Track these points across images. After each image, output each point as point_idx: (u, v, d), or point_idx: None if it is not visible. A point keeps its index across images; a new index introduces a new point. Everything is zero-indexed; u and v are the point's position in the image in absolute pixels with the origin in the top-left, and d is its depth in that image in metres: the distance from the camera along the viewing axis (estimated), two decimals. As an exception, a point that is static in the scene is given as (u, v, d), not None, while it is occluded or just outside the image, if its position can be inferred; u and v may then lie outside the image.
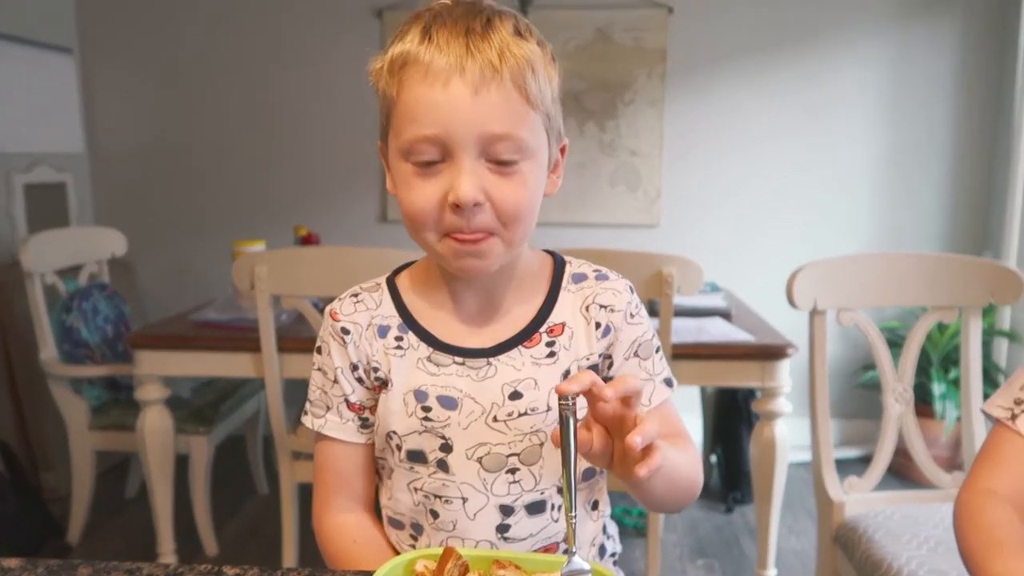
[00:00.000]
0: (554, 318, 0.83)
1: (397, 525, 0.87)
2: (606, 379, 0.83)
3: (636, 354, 0.84)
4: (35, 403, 2.61)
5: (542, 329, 0.83)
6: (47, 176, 3.00)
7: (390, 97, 0.74)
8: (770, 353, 1.88)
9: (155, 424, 2.03)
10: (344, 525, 0.86)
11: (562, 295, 0.84)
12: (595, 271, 0.87)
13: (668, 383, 0.86)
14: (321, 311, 1.97)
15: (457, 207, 0.72)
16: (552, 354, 0.82)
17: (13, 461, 2.32)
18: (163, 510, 2.11)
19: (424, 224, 0.75)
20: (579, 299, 0.84)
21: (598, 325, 0.83)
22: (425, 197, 0.73)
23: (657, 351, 0.86)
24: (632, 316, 0.84)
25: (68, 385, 2.30)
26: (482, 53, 0.70)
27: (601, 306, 0.83)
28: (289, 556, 2.03)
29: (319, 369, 0.87)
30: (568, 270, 0.87)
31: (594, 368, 0.83)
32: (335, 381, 0.85)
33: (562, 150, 0.82)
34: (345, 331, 0.84)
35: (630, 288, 0.86)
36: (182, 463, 2.22)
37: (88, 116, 3.24)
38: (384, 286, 0.87)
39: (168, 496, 2.11)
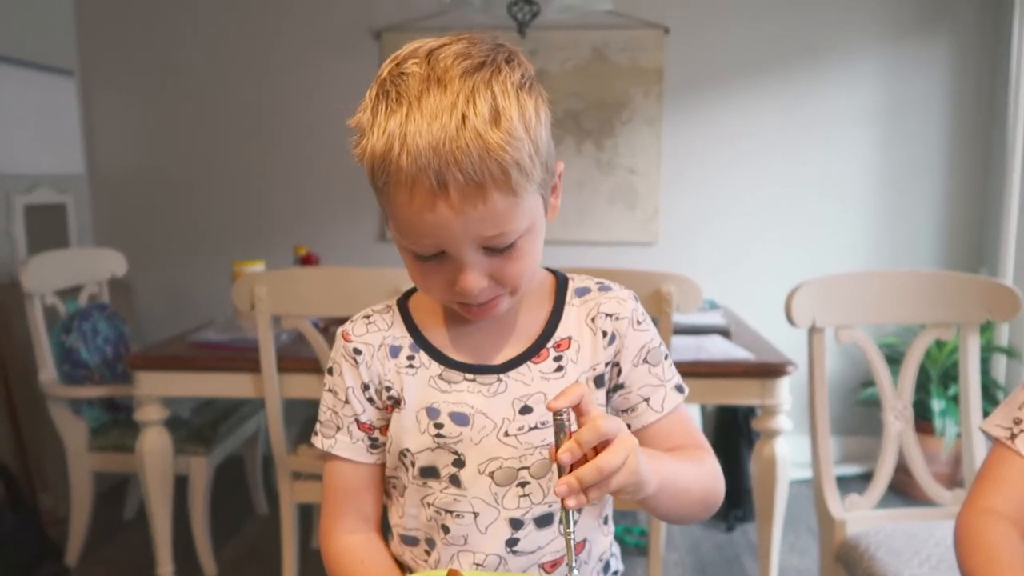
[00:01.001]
0: (560, 333, 0.85)
1: (411, 542, 0.87)
2: (617, 387, 0.85)
3: (645, 360, 0.85)
4: (34, 424, 2.60)
5: (549, 344, 0.84)
6: (47, 197, 3.01)
7: (380, 201, 0.75)
8: (769, 371, 1.88)
9: (154, 445, 2.03)
10: (352, 545, 0.86)
11: (567, 310, 0.86)
12: (598, 283, 0.89)
13: (679, 389, 0.86)
14: (321, 331, 1.98)
15: (464, 294, 0.76)
16: (560, 368, 0.83)
17: (11, 483, 2.31)
18: (162, 532, 2.10)
19: (436, 298, 0.82)
20: (584, 312, 0.86)
21: (604, 334, 0.84)
22: (432, 283, 0.78)
23: (666, 357, 0.86)
24: (639, 323, 0.85)
25: (67, 406, 2.30)
26: (461, 168, 0.67)
27: (606, 315, 0.85)
28: (289, 577, 2.02)
29: (330, 390, 0.88)
30: (571, 285, 0.88)
31: (600, 378, 0.84)
32: (346, 401, 0.86)
33: (559, 175, 0.82)
34: (357, 351, 0.86)
35: (634, 297, 0.88)
36: (181, 484, 2.21)
37: (88, 137, 3.26)
38: (395, 308, 0.89)
39: (167, 518, 2.10)
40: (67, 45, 3.17)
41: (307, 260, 2.56)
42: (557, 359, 0.84)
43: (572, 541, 0.68)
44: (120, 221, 3.31)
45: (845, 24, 3.01)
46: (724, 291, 2.91)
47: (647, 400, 0.84)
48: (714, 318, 2.31)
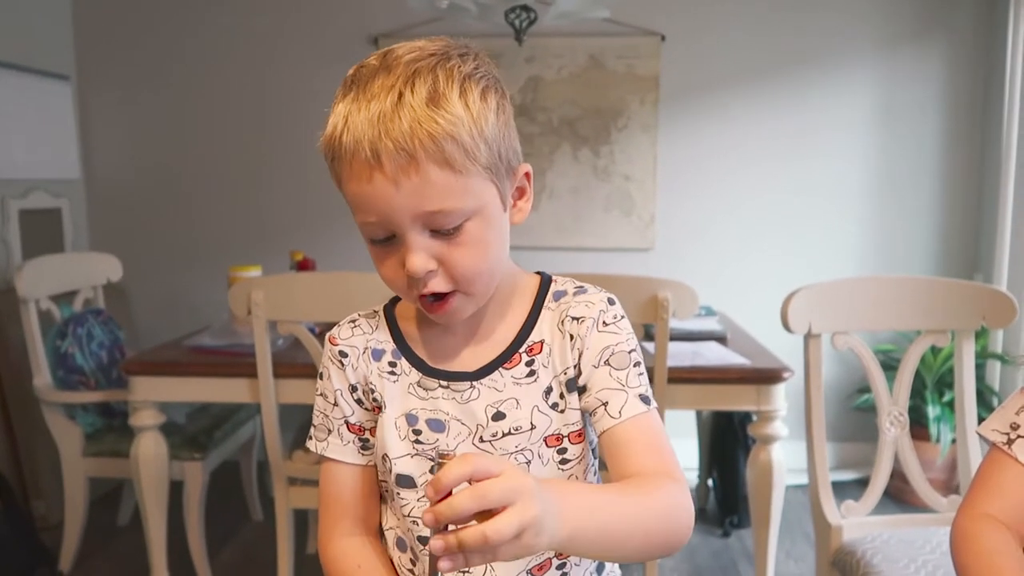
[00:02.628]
0: (533, 337, 0.85)
1: (401, 547, 0.87)
2: (582, 389, 0.82)
3: (607, 362, 0.81)
4: (27, 430, 2.59)
5: (521, 349, 0.84)
6: (43, 202, 3.00)
7: (335, 183, 0.78)
8: (766, 377, 1.88)
9: (149, 450, 2.02)
10: (350, 549, 0.86)
11: (543, 313, 0.86)
12: (576, 287, 0.88)
13: (644, 400, 0.80)
14: (317, 336, 1.98)
15: (411, 277, 0.75)
16: (532, 373, 0.83)
17: (5, 488, 2.30)
18: (156, 538, 2.09)
19: (396, 290, 0.81)
20: (557, 315, 0.85)
21: (571, 337, 0.83)
22: (388, 269, 0.78)
23: (636, 365, 0.82)
24: (605, 324, 0.83)
25: (62, 411, 2.29)
26: (393, 139, 0.69)
27: (573, 318, 0.84)
28: (284, 584, 2.01)
29: (321, 394, 0.89)
30: (552, 288, 0.88)
31: (571, 382, 0.83)
32: (335, 404, 0.87)
33: (526, 175, 0.82)
34: (343, 354, 0.87)
35: (608, 300, 0.85)
36: (176, 489, 2.20)
37: (84, 142, 3.26)
38: (381, 313, 0.91)
39: (162, 523, 2.09)
40: (64, 50, 3.17)
41: (303, 265, 2.55)
42: (529, 364, 0.84)
43: None
44: (116, 226, 3.30)
45: (841, 32, 3.02)
46: (720, 297, 2.91)
47: (605, 404, 0.79)
48: (710, 324, 2.32)
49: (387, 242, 0.76)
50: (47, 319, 2.36)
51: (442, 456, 0.59)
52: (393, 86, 0.71)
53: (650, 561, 1.93)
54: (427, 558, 0.58)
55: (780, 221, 3.12)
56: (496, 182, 0.77)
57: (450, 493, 0.57)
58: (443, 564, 0.57)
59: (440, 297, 0.77)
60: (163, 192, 3.29)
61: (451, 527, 0.57)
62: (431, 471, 0.59)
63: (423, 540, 0.82)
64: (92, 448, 2.31)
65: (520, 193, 0.82)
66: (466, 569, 0.81)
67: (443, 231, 0.74)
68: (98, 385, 2.37)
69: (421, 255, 0.74)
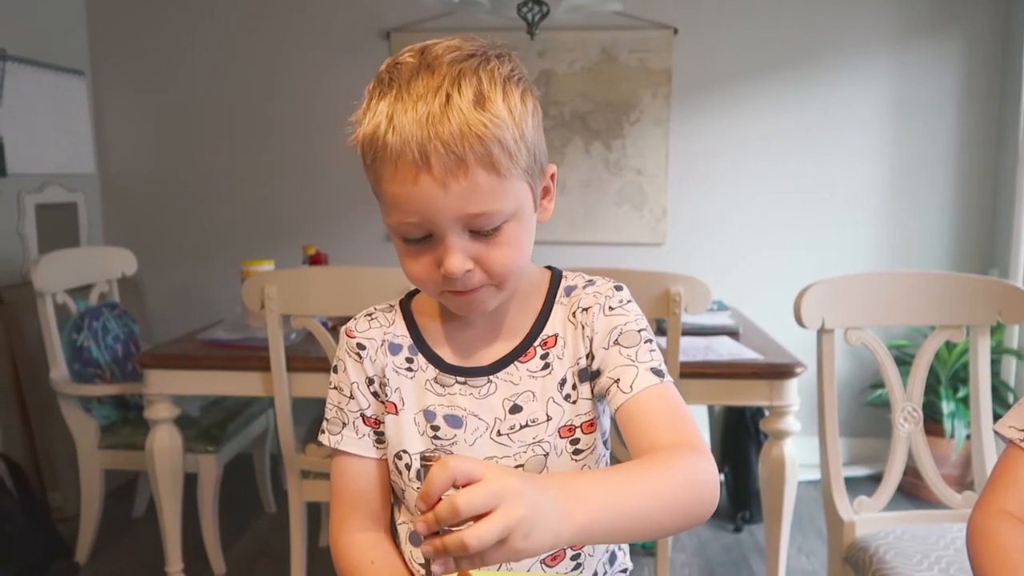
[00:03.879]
0: (547, 331, 0.86)
1: (414, 541, 0.88)
2: (594, 373, 0.83)
3: (617, 342, 0.82)
4: (44, 422, 2.62)
5: (536, 343, 0.86)
6: (58, 196, 3.03)
7: (371, 182, 0.77)
8: (778, 372, 1.87)
9: (164, 443, 2.04)
10: (362, 544, 0.87)
11: (555, 308, 0.87)
12: (587, 280, 0.89)
13: (657, 373, 0.80)
14: (329, 330, 1.98)
15: (448, 277, 0.75)
16: (547, 366, 0.85)
17: (22, 480, 2.33)
18: (171, 529, 2.11)
19: (423, 287, 0.81)
20: (568, 309, 0.87)
21: (583, 327, 0.85)
22: (420, 267, 0.78)
23: (647, 342, 0.83)
24: (611, 308, 0.85)
25: (78, 404, 2.31)
26: (443, 141, 0.69)
27: (583, 309, 0.85)
28: (298, 575, 2.03)
29: (335, 387, 0.89)
30: (563, 284, 0.89)
31: (584, 372, 0.84)
32: (351, 397, 0.88)
33: (552, 175, 0.83)
34: (361, 347, 0.88)
35: (615, 287, 0.87)
36: (191, 482, 2.22)
37: (99, 137, 3.28)
38: (398, 308, 0.91)
39: (176, 515, 2.11)
40: (78, 45, 3.19)
41: (316, 260, 2.56)
42: (544, 357, 0.85)
43: None
44: (130, 220, 3.33)
45: (855, 25, 2.99)
46: (733, 292, 2.90)
47: (617, 381, 0.79)
48: (723, 319, 2.31)
49: (422, 241, 0.76)
50: (63, 312, 2.38)
51: (425, 460, 0.59)
52: (440, 87, 0.71)
53: (680, 532, 1.92)
54: (424, 561, 0.59)
55: (793, 216, 3.10)
56: (531, 183, 0.78)
57: (441, 498, 0.57)
58: (435, 568, 0.57)
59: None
60: (176, 186, 3.31)
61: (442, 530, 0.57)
62: (418, 475, 0.59)
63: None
64: (107, 440, 2.33)
65: (545, 192, 0.83)
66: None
67: (482, 232, 0.75)
68: (113, 378, 2.39)
69: (460, 256, 0.74)
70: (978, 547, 0.85)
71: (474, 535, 0.54)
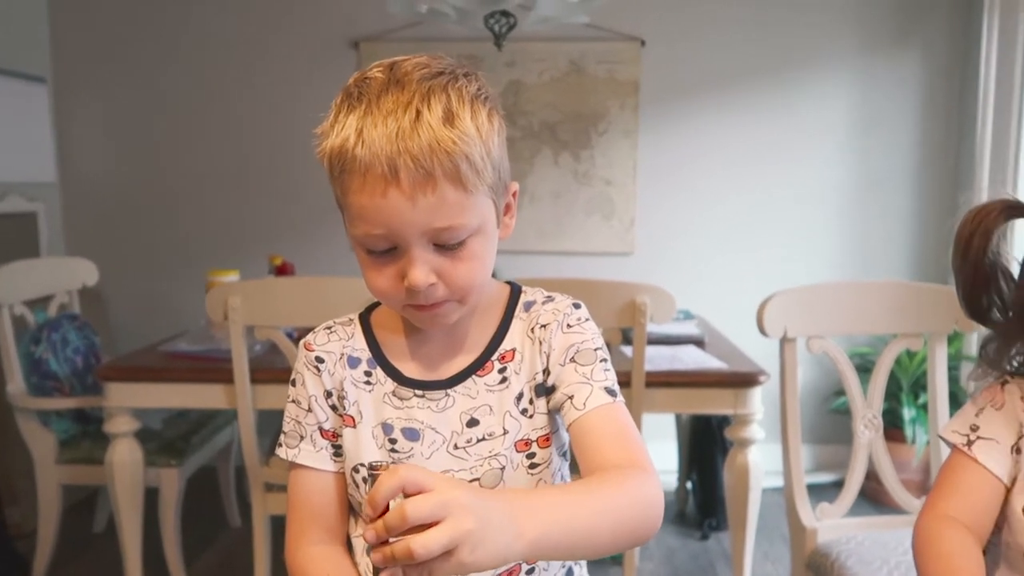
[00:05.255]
0: (505, 345, 0.86)
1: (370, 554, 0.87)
2: (550, 389, 0.84)
3: (572, 359, 0.83)
4: (0, 436, 2.56)
5: (494, 357, 0.86)
6: (18, 206, 2.96)
7: (336, 193, 0.77)
8: (742, 380, 1.89)
9: (124, 457, 2.00)
10: (318, 558, 0.86)
11: (514, 323, 0.88)
12: (545, 297, 0.90)
13: (610, 392, 0.81)
14: (295, 341, 1.96)
15: (411, 290, 0.76)
16: (504, 380, 0.85)
17: (-23, 496, 2.27)
18: (132, 545, 2.07)
19: (386, 299, 0.81)
20: (527, 324, 0.87)
21: (540, 343, 0.86)
22: (384, 280, 0.78)
23: (602, 362, 0.84)
24: (569, 326, 0.85)
25: (35, 418, 2.26)
26: (412, 156, 0.70)
27: (542, 325, 0.86)
28: (261, 590, 1.99)
29: (293, 401, 0.89)
30: (522, 299, 0.90)
31: (540, 387, 0.85)
32: (309, 410, 0.87)
33: (513, 194, 0.84)
34: (320, 360, 0.88)
35: (573, 305, 0.88)
36: (152, 496, 2.18)
37: (61, 145, 3.22)
38: (356, 322, 0.91)
39: (137, 530, 2.07)
40: (40, 52, 3.14)
41: (282, 270, 2.54)
42: (501, 371, 0.85)
43: None
44: (92, 230, 3.27)
45: (820, 39, 3.05)
46: (701, 300, 2.93)
47: (571, 398, 0.81)
48: (688, 328, 2.33)
49: (386, 253, 0.76)
50: (21, 324, 2.33)
51: (372, 469, 0.59)
52: (410, 103, 0.71)
53: (625, 551, 1.94)
54: (373, 571, 0.59)
55: (759, 225, 3.14)
56: (495, 200, 0.79)
57: (388, 507, 0.57)
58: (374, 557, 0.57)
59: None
60: (141, 196, 3.26)
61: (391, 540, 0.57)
62: (367, 483, 0.60)
63: None
64: (66, 455, 2.28)
65: (507, 209, 0.84)
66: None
67: (447, 246, 0.75)
68: (73, 391, 2.34)
69: (424, 268, 0.75)
70: (923, 551, 0.87)
71: (420, 543, 0.54)
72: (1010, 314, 0.93)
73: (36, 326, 2.35)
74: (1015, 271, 0.94)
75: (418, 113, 0.71)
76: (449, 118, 0.72)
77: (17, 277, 2.30)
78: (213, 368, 1.96)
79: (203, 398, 1.99)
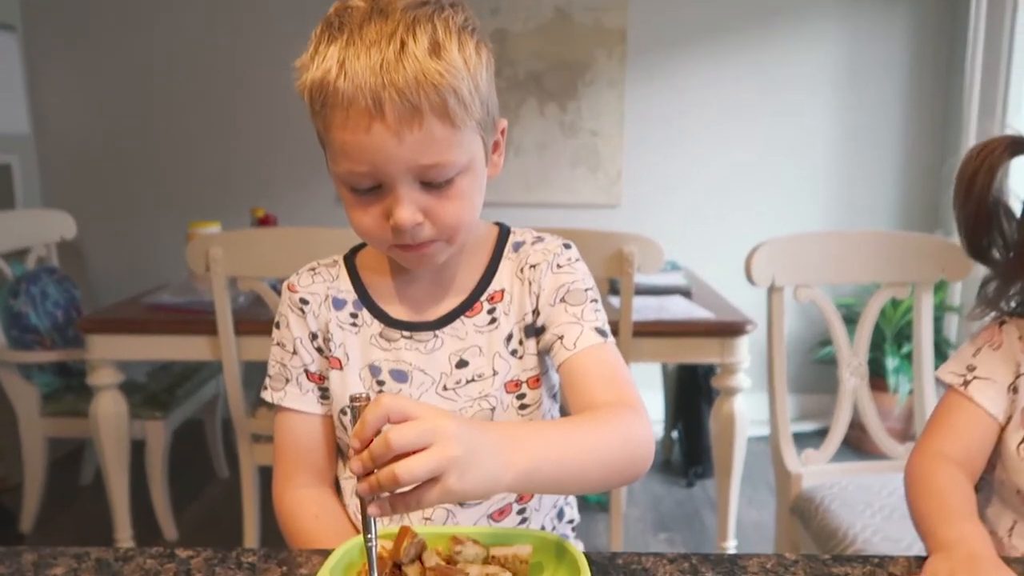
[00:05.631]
0: (494, 286, 0.85)
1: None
2: (539, 329, 0.83)
3: (563, 300, 0.83)
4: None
5: (483, 298, 0.85)
6: (-9, 157, 2.90)
7: (318, 128, 0.74)
8: (729, 330, 1.90)
9: (108, 409, 1.99)
10: (306, 500, 0.86)
11: (503, 264, 0.86)
12: (535, 237, 0.88)
13: (601, 333, 0.81)
14: (278, 292, 1.94)
15: (398, 229, 0.73)
16: (493, 320, 0.84)
17: (-39, 451, 2.26)
18: (119, 497, 2.07)
19: (371, 240, 0.78)
20: (516, 264, 0.86)
21: (530, 284, 0.84)
22: (369, 219, 0.75)
23: (593, 302, 0.83)
24: (559, 266, 0.84)
25: (17, 372, 2.24)
26: (398, 89, 0.67)
27: (531, 265, 0.85)
28: (251, 539, 2.01)
29: (278, 343, 0.88)
30: (511, 239, 0.88)
31: (530, 328, 0.84)
32: (294, 352, 0.86)
33: (502, 131, 0.82)
34: (304, 301, 0.86)
35: (564, 245, 0.87)
36: (139, 448, 2.17)
37: (33, 96, 3.13)
38: (341, 263, 0.90)
39: (124, 482, 2.07)
40: (7, -3, 3.03)
41: (264, 221, 2.50)
42: (490, 312, 0.84)
43: (373, 550, 0.60)
44: (70, 182, 3.20)
45: (808, -15, 3.00)
46: (686, 252, 2.92)
47: (561, 338, 0.80)
48: (675, 279, 2.33)
49: (371, 192, 0.74)
50: (-2, 277, 2.29)
51: (354, 401, 0.58)
52: (394, 33, 0.68)
53: (613, 491, 1.96)
54: (360, 504, 0.58)
55: (746, 177, 3.12)
56: (483, 137, 0.76)
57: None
58: (371, 508, 0.57)
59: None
60: (119, 147, 3.19)
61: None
62: (352, 415, 0.59)
63: None
64: (50, 408, 2.27)
65: (495, 147, 0.81)
66: (428, 517, 0.82)
67: (434, 184, 0.73)
68: (54, 345, 2.31)
69: (411, 207, 0.72)
70: (915, 489, 0.87)
71: (405, 468, 0.54)
72: (1011, 254, 0.92)
73: (14, 279, 2.31)
74: (1017, 209, 0.93)
75: (403, 44, 0.68)
76: (435, 49, 0.69)
77: (-8, 229, 2.26)
78: (196, 320, 1.94)
79: (187, 350, 1.97)
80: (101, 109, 3.17)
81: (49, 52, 3.12)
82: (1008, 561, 0.72)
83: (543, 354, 0.84)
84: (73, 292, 2.47)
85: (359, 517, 0.85)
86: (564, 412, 0.88)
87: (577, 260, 0.86)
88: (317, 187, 3.15)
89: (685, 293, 2.21)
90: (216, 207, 3.07)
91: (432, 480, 0.55)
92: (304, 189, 3.15)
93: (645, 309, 1.97)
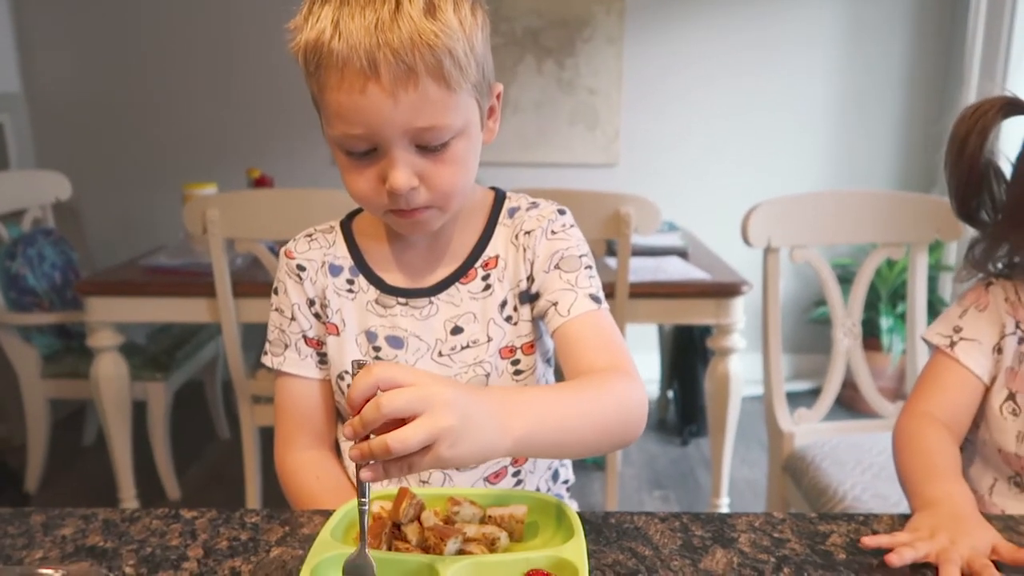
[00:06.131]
0: (489, 252, 0.85)
1: None
2: (534, 296, 0.84)
3: (557, 266, 0.83)
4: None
5: (477, 264, 0.85)
6: (-18, 117, 2.87)
7: (312, 91, 0.74)
8: (725, 291, 1.91)
9: (109, 371, 2.00)
10: (307, 463, 0.87)
11: (498, 230, 0.86)
12: (530, 203, 0.88)
13: (595, 299, 0.81)
14: (276, 254, 1.95)
15: (393, 193, 0.73)
16: (488, 287, 0.84)
17: (-37, 412, 2.28)
18: (122, 457, 2.10)
19: (366, 204, 0.78)
20: (511, 231, 0.86)
21: (524, 250, 0.85)
22: (364, 183, 0.75)
23: (587, 268, 0.84)
24: (553, 232, 0.85)
25: (17, 333, 2.25)
26: (393, 49, 0.66)
27: (526, 232, 0.85)
28: (252, 499, 2.04)
29: (276, 309, 0.89)
30: (506, 205, 0.88)
31: (524, 294, 0.84)
32: (292, 318, 0.87)
33: (497, 96, 0.81)
34: (301, 268, 0.87)
35: (559, 211, 0.87)
36: (141, 409, 2.20)
37: (24, 53, 3.09)
38: (338, 229, 0.90)
39: (127, 443, 2.10)
40: (-7, -48, 2.97)
41: (260, 183, 2.49)
42: (485, 278, 0.84)
43: (365, 514, 0.60)
44: (64, 142, 3.17)
45: (810, -61, 2.94)
46: (683, 212, 2.92)
47: (555, 305, 0.81)
48: (672, 240, 2.33)
49: (366, 155, 0.74)
50: (-6, 240, 2.29)
51: (358, 365, 0.59)
52: None
53: (609, 458, 1.99)
54: (354, 468, 0.59)
55: (744, 136, 3.10)
56: (479, 100, 0.76)
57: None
58: (363, 474, 0.57)
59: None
60: (113, 106, 3.15)
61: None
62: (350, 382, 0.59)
63: None
64: (51, 370, 2.28)
65: (491, 112, 0.81)
66: (425, 480, 0.83)
67: (430, 147, 0.72)
68: (52, 307, 2.32)
69: (406, 171, 0.72)
70: (902, 448, 0.89)
71: (396, 438, 0.54)
72: (999, 216, 0.93)
73: (10, 241, 2.31)
74: (1007, 171, 0.93)
75: (398, 4, 0.67)
76: (431, 10, 0.68)
77: (-13, 191, 2.25)
78: (194, 282, 1.94)
79: (185, 312, 1.98)
80: (93, 67, 3.13)
81: (38, 9, 3.07)
82: (989, 518, 0.74)
83: (537, 320, 0.85)
84: (70, 254, 2.47)
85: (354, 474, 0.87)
86: (559, 377, 0.89)
87: (572, 226, 0.86)
88: (313, 148, 3.12)
89: (682, 254, 2.22)
90: (211, 168, 3.06)
91: (425, 447, 0.55)
92: (300, 150, 3.13)
93: (642, 270, 1.98)
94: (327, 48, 0.68)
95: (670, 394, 2.94)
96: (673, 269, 2.03)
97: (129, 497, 2.13)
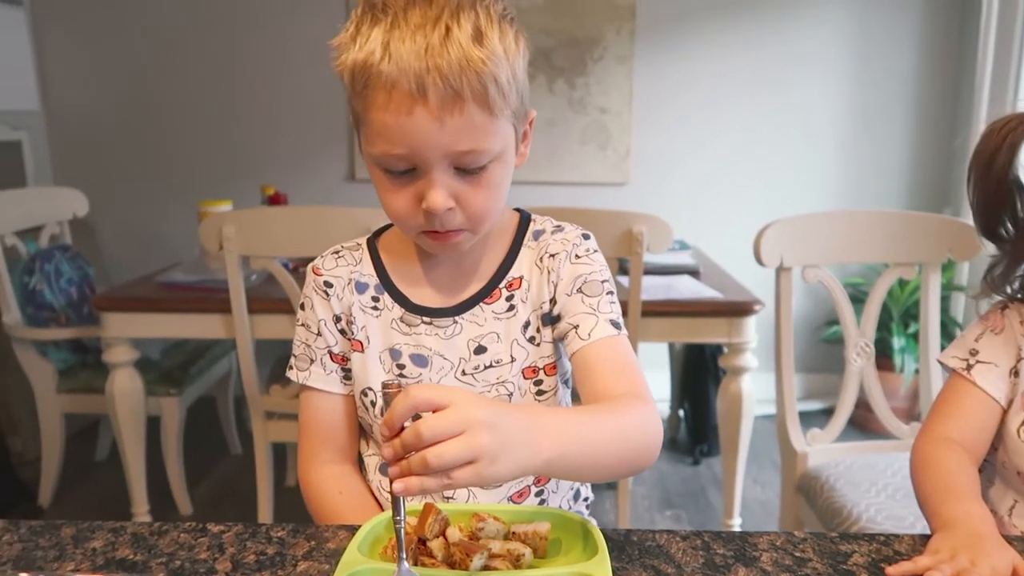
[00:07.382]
0: (513, 273, 0.87)
1: (384, 471, 0.90)
2: (555, 318, 0.85)
3: (580, 290, 0.84)
4: (-1, 367, 2.57)
5: (501, 285, 0.86)
6: (1, 134, 2.90)
7: (356, 110, 0.75)
8: (737, 309, 1.91)
9: (124, 386, 2.02)
10: (330, 477, 0.88)
11: (522, 251, 0.88)
12: (555, 226, 0.90)
13: (615, 325, 0.82)
14: (291, 271, 1.96)
15: (430, 213, 0.75)
16: (512, 307, 0.86)
17: (-21, 426, 2.30)
18: (136, 472, 2.11)
19: (401, 223, 0.80)
20: (536, 253, 0.88)
21: (549, 272, 0.86)
22: (401, 202, 0.77)
23: (609, 294, 0.85)
24: (578, 257, 0.86)
25: (33, 348, 2.27)
26: (442, 74, 0.68)
27: (551, 255, 0.86)
28: (265, 515, 2.05)
29: (302, 324, 0.90)
30: (531, 227, 0.90)
31: (547, 316, 0.86)
32: (318, 334, 0.88)
33: (530, 122, 0.83)
34: (328, 284, 0.88)
35: (583, 236, 0.88)
36: (154, 424, 2.21)
37: (42, 72, 3.13)
38: (364, 247, 0.91)
39: (140, 458, 2.11)
40: (15, -27, 3.02)
41: (275, 200, 2.52)
42: (509, 299, 0.86)
43: (401, 531, 0.61)
44: (81, 159, 3.21)
45: (819, -39, 2.97)
46: (695, 231, 2.93)
47: (576, 328, 0.82)
48: (684, 258, 2.34)
49: (404, 174, 0.75)
50: (13, 255, 2.31)
51: (386, 388, 0.60)
52: (439, 19, 0.69)
53: (621, 479, 1.99)
54: (389, 484, 0.59)
55: (755, 154, 3.12)
56: (516, 126, 0.78)
57: (404, 427, 0.58)
58: (395, 486, 0.57)
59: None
60: (129, 124, 3.19)
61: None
62: (384, 400, 0.60)
63: None
64: (66, 384, 2.30)
65: (523, 136, 0.83)
66: (450, 495, 0.84)
67: (468, 170, 0.74)
68: (69, 322, 2.34)
69: (443, 192, 0.74)
70: (921, 472, 0.89)
71: (435, 453, 0.55)
72: (1019, 233, 0.93)
73: (28, 257, 2.33)
74: None
75: (447, 29, 0.69)
76: (478, 37, 0.70)
77: (6, 207, 2.28)
78: (209, 298, 1.96)
79: (200, 328, 2.00)
80: (110, 85, 3.17)
81: (57, 28, 3.12)
82: (1009, 540, 0.75)
83: (557, 341, 0.86)
84: (86, 269, 2.49)
85: (383, 493, 0.88)
86: (574, 397, 0.90)
87: (595, 251, 0.87)
88: (326, 165, 3.15)
89: (693, 273, 2.22)
90: (225, 185, 3.09)
91: (465, 463, 0.56)
92: (313, 167, 3.16)
93: (653, 289, 1.99)
94: (376, 69, 0.70)
95: (681, 412, 2.93)
96: (685, 288, 2.03)
97: (142, 512, 2.14)
